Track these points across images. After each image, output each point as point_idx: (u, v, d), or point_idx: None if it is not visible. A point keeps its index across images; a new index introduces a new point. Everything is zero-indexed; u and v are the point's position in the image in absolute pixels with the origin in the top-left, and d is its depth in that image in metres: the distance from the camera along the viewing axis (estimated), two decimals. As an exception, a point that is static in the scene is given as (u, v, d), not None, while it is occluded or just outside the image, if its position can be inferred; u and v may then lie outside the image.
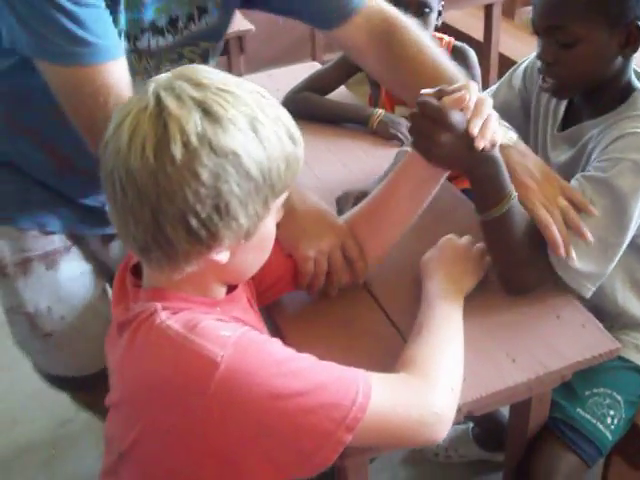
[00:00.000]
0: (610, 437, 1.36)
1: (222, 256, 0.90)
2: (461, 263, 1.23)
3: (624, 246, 1.24)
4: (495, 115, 1.11)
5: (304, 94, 1.84)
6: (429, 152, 1.11)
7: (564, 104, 1.42)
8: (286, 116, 0.92)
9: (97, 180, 0.89)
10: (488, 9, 3.06)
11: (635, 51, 1.26)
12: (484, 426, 1.87)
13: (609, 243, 1.22)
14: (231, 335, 0.86)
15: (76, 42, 1.08)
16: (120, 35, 1.20)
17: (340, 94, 1.91)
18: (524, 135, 1.48)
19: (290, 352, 0.92)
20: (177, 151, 0.82)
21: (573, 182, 1.26)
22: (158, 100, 0.84)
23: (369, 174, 1.56)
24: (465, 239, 1.28)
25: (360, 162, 1.65)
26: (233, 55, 2.53)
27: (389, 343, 1.17)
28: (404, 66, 1.33)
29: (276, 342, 0.93)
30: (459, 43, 1.87)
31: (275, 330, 1.25)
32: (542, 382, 1.14)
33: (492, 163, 1.13)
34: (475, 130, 1.08)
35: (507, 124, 1.28)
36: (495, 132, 1.11)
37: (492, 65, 3.16)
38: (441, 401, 0.98)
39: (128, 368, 0.93)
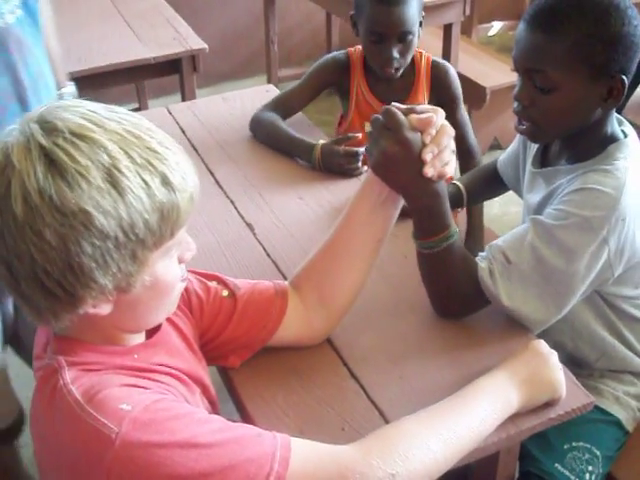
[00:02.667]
0: (587, 495, 1.30)
1: (101, 309, 0.83)
2: (551, 371, 1.10)
3: (573, 296, 1.20)
4: (452, 148, 1.09)
5: (270, 116, 1.77)
6: (373, 157, 1.08)
7: None
8: (165, 158, 0.81)
9: None
10: (447, 29, 3.03)
11: (616, 105, 1.20)
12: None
13: (557, 292, 1.19)
14: (131, 409, 0.80)
15: None
16: None
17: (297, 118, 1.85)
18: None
19: (197, 426, 0.83)
20: (18, 209, 0.76)
21: (525, 224, 1.23)
22: (5, 148, 0.78)
23: (328, 209, 1.50)
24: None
25: (318, 195, 1.58)
26: (186, 74, 2.46)
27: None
28: None
29: (187, 414, 0.84)
30: (438, 59, 1.85)
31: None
32: (513, 440, 1.09)
33: (434, 197, 1.10)
34: (428, 156, 1.05)
35: None
36: (446, 165, 1.08)
37: (451, 85, 3.13)
38: None
39: (35, 427, 0.88)
